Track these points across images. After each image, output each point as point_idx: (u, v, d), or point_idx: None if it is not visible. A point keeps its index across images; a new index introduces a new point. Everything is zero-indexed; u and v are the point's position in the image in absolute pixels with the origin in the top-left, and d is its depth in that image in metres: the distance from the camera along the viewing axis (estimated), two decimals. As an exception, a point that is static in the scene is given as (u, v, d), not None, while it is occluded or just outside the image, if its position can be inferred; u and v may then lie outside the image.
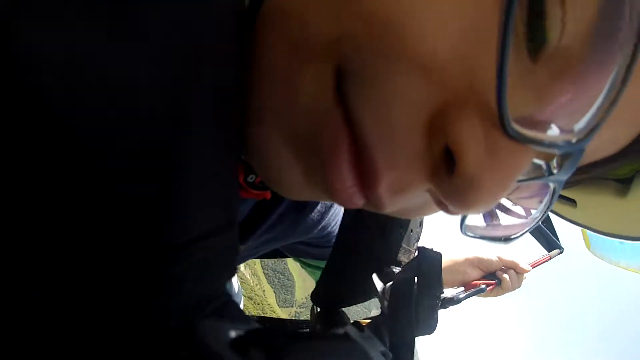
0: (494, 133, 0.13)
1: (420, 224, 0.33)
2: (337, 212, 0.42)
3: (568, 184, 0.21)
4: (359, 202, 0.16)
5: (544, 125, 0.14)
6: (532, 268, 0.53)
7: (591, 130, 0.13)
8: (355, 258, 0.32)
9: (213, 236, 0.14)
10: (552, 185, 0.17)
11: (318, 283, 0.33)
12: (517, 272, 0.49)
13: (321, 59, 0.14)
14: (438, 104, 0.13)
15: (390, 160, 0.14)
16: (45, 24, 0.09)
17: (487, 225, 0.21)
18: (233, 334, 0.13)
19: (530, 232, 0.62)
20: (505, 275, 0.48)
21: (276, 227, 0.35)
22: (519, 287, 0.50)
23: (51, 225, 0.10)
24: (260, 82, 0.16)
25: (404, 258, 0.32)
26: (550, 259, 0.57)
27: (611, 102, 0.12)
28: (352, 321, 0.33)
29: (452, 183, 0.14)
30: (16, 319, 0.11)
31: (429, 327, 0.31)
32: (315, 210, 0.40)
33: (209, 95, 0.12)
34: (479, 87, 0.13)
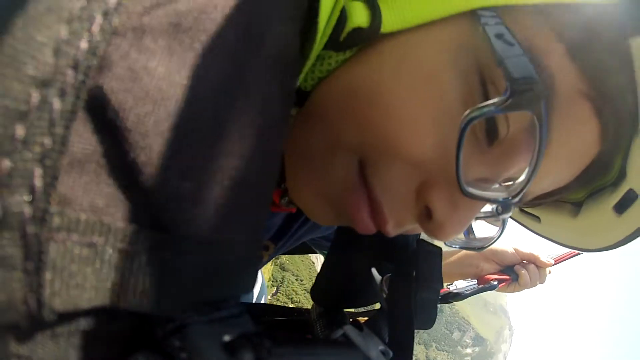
0: (456, 193, 0.21)
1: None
2: None
3: (528, 207, 0.32)
4: (374, 231, 0.25)
5: (490, 185, 0.22)
6: (556, 262, 0.50)
7: (518, 192, 0.21)
8: (354, 252, 0.32)
9: (232, 245, 0.15)
10: (501, 219, 0.27)
11: (317, 278, 0.33)
12: (538, 266, 0.47)
13: (348, 152, 0.23)
14: (423, 180, 0.22)
15: (393, 213, 0.23)
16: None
17: (465, 237, 0.30)
18: (227, 337, 0.14)
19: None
20: (524, 271, 0.46)
21: (302, 228, 0.45)
22: (542, 282, 0.48)
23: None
24: (301, 162, 0.25)
25: (401, 253, 0.32)
26: (579, 253, 0.53)
27: (531, 173, 0.19)
28: (351, 319, 0.33)
29: (430, 224, 0.23)
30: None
31: (428, 321, 0.31)
32: None
33: (252, 124, 0.16)
34: (449, 167, 0.20)
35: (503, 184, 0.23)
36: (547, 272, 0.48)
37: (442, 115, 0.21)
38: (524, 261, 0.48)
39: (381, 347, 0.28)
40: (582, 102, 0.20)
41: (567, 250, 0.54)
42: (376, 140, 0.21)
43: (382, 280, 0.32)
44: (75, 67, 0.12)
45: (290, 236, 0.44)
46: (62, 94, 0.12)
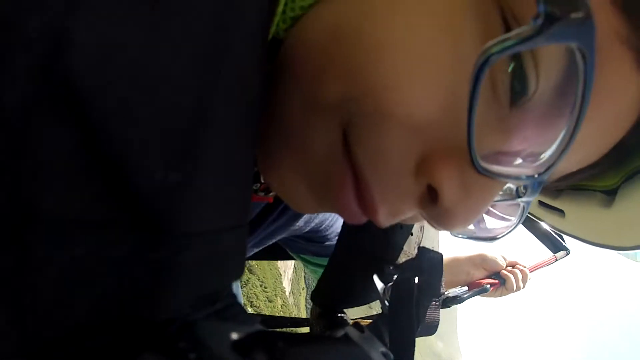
0: (469, 170, 0.16)
1: (422, 228, 0.33)
2: None
3: (550, 192, 0.26)
4: (363, 220, 0.20)
5: (512, 159, 0.18)
6: (535, 269, 0.52)
7: (550, 166, 0.16)
8: (356, 258, 0.32)
9: (224, 232, 0.14)
10: (521, 204, 0.21)
11: (318, 282, 0.33)
12: (519, 270, 0.49)
13: (330, 115, 0.17)
14: (424, 151, 0.17)
15: (385, 196, 0.18)
16: (92, 15, 0.10)
17: (475, 227, 0.24)
18: (235, 335, 0.13)
19: (535, 235, 0.61)
20: (510, 275, 0.48)
21: (278, 220, 0.40)
22: (523, 287, 0.50)
23: (72, 204, 0.11)
24: (275, 131, 0.19)
25: (403, 259, 0.32)
26: (556, 260, 0.56)
27: (565, 145, 0.15)
28: (352, 321, 0.33)
29: (434, 210, 0.18)
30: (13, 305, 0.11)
31: (430, 328, 0.31)
32: None
33: (233, 102, 0.14)
34: (458, 135, 0.15)
35: (526, 160, 0.18)
36: (528, 277, 0.51)
37: (453, 61, 0.16)
38: (508, 267, 0.50)
39: (382, 349, 0.28)
40: (623, 51, 0.15)
41: (545, 258, 0.56)
42: (363, 96, 0.16)
43: (384, 287, 0.32)
44: (27, 47, 0.09)
45: (264, 228, 0.39)
46: (12, 83, 0.09)
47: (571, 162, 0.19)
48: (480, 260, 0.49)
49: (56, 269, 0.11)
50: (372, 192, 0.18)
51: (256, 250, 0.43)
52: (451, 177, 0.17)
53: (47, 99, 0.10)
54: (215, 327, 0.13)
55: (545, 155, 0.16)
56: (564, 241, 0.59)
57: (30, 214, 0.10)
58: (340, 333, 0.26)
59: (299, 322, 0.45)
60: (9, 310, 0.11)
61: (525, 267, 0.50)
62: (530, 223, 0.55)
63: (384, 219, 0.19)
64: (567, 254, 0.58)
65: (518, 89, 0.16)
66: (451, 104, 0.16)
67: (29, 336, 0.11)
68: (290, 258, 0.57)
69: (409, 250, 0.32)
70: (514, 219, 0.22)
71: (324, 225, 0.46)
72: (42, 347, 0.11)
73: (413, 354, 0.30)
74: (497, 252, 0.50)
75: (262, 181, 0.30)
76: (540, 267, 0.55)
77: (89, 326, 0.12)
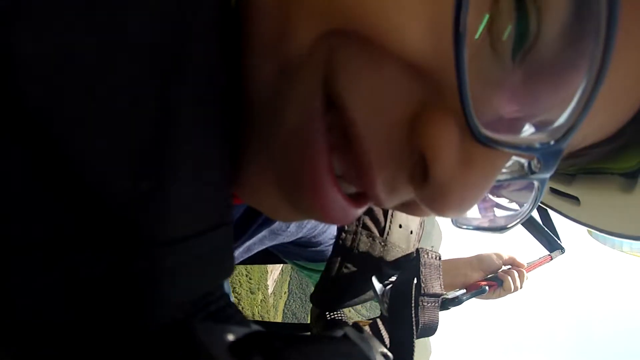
0: (468, 139, 0.13)
1: (421, 225, 0.33)
2: None
3: (563, 177, 0.22)
4: (348, 215, 0.16)
5: (521, 126, 0.14)
6: (533, 268, 0.53)
7: (569, 129, 0.13)
8: (355, 259, 0.32)
9: (208, 233, 0.14)
10: (536, 183, 0.17)
11: (317, 285, 0.33)
12: (517, 267, 0.49)
13: (306, 66, 0.14)
14: (420, 101, 0.13)
15: (380, 157, 0.14)
16: (35, 21, 0.09)
17: (482, 216, 0.21)
18: (231, 337, 0.13)
19: (531, 233, 0.61)
20: (508, 276, 0.48)
21: (266, 225, 0.36)
22: (520, 287, 0.50)
23: (39, 221, 0.10)
24: (244, 123, 0.16)
25: (402, 259, 0.32)
26: (551, 259, 0.56)
27: (585, 102, 0.12)
28: (351, 322, 0.33)
29: (425, 189, 0.14)
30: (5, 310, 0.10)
31: (430, 329, 0.31)
32: None
33: (194, 92, 0.12)
34: (456, 93, 0.12)
35: (538, 128, 0.14)
36: (525, 277, 0.51)
37: None
38: (505, 267, 0.50)
39: (382, 350, 0.28)
40: None
41: (540, 257, 0.57)
42: (348, 25, 0.13)
43: (383, 288, 0.32)
44: None
45: (250, 235, 0.36)
46: None
47: (592, 128, 0.15)
48: (477, 262, 0.49)
49: (31, 297, 0.11)
50: (366, 151, 0.14)
51: (246, 256, 0.43)
52: (447, 140, 0.13)
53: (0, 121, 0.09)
54: (211, 330, 0.13)
55: (562, 118, 0.13)
56: (559, 239, 0.60)
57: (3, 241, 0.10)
58: (339, 333, 0.25)
59: (298, 327, 0.45)
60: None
61: (523, 265, 0.50)
62: (526, 221, 0.55)
63: (382, 192, 0.15)
64: (562, 252, 0.59)
65: (518, 36, 0.13)
66: (447, 45, 0.12)
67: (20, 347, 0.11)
68: (283, 262, 0.56)
69: (408, 249, 0.32)
70: (526, 205, 0.18)
71: (317, 230, 0.45)
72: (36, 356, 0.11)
73: (413, 354, 0.30)
74: (493, 251, 0.50)
75: None
76: (537, 267, 0.55)
77: (77, 343, 0.12)
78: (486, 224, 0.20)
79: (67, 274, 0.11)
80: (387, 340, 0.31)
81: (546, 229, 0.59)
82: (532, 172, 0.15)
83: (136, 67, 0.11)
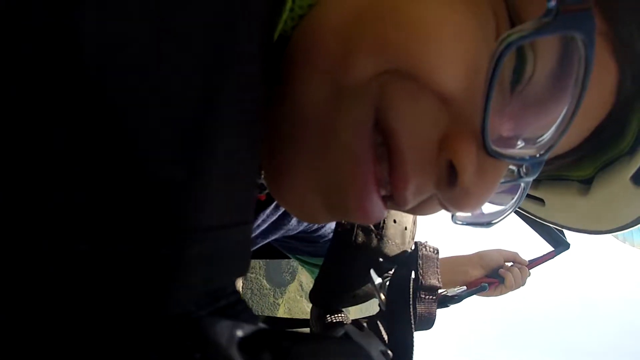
0: (482, 153, 0.18)
1: (414, 223, 0.34)
2: None
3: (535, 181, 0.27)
4: (380, 215, 0.21)
5: (515, 142, 0.19)
6: (536, 265, 0.52)
7: (550, 146, 0.18)
8: (352, 255, 0.32)
9: (230, 228, 0.14)
10: (522, 185, 0.22)
11: (316, 281, 0.33)
12: (518, 263, 0.49)
13: (362, 93, 0.18)
14: (447, 128, 0.18)
15: (415, 167, 0.19)
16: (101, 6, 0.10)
17: (472, 214, 0.25)
18: (241, 334, 0.13)
19: (534, 230, 0.60)
20: (509, 273, 0.47)
21: (271, 217, 0.38)
22: (523, 285, 0.50)
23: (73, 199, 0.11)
24: (287, 133, 0.20)
25: (399, 254, 0.32)
26: (555, 255, 0.56)
27: (565, 126, 0.17)
28: (351, 320, 0.33)
29: (452, 192, 0.19)
30: (19, 300, 0.11)
31: (427, 322, 0.31)
32: None
33: (235, 92, 0.14)
34: (474, 117, 0.17)
35: (526, 143, 0.20)
36: (528, 274, 0.51)
37: (477, 44, 0.17)
38: (507, 263, 0.49)
39: (381, 347, 0.28)
40: (603, 43, 0.18)
41: (544, 253, 0.56)
42: (400, 66, 0.17)
43: (381, 282, 0.32)
44: (34, 41, 0.10)
45: (255, 228, 0.39)
46: (18, 77, 0.10)
47: (561, 144, 0.20)
48: (478, 259, 0.49)
49: (58, 264, 0.11)
50: (405, 161, 0.19)
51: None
52: (471, 157, 0.18)
53: (55, 93, 0.10)
54: (221, 325, 0.13)
55: (545, 137, 0.18)
56: (564, 236, 0.59)
57: (35, 209, 0.10)
58: (340, 332, 0.26)
59: (299, 323, 0.45)
60: (15, 306, 0.11)
61: (525, 262, 0.50)
62: (529, 218, 0.55)
63: (410, 195, 0.20)
64: (567, 248, 0.58)
65: (518, 77, 0.18)
66: (472, 84, 0.17)
67: (32, 329, 0.11)
68: (286, 257, 0.56)
69: (403, 245, 0.32)
70: (511, 202, 0.24)
71: (315, 226, 0.46)
72: (46, 342, 0.11)
73: (412, 348, 0.30)
74: (495, 249, 0.50)
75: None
76: (540, 263, 0.55)
77: (93, 321, 0.12)
78: (476, 220, 0.25)
79: (96, 245, 0.11)
80: (385, 335, 0.31)
81: (550, 225, 0.59)
82: (520, 177, 0.21)
83: (183, 56, 0.12)
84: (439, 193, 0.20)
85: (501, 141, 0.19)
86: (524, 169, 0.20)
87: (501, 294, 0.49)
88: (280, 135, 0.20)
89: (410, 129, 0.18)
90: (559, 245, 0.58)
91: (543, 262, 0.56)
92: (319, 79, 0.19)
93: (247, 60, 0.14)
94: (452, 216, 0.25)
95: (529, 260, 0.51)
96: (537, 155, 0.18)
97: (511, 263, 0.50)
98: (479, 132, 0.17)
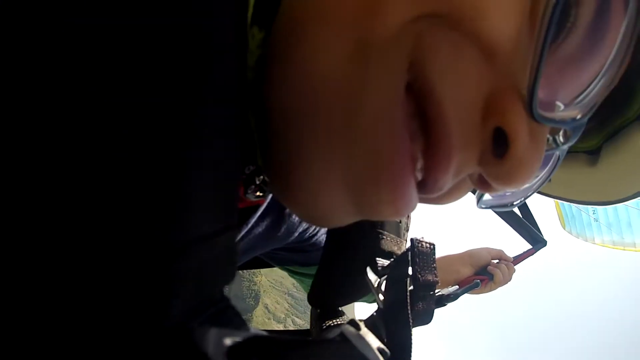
0: (528, 116, 0.15)
1: (408, 215, 0.34)
2: None
3: None
4: (412, 207, 0.17)
5: (553, 105, 0.17)
6: (520, 261, 0.54)
7: (592, 107, 0.16)
8: (348, 253, 0.32)
9: (214, 238, 0.14)
10: (557, 154, 0.20)
11: (313, 283, 0.32)
12: (505, 260, 0.50)
13: (394, 48, 0.14)
14: (494, 86, 0.15)
15: (462, 139, 0.15)
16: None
17: (494, 196, 0.23)
18: (229, 341, 0.13)
19: (513, 228, 0.63)
20: (497, 270, 0.49)
21: (259, 227, 0.36)
22: (509, 280, 0.51)
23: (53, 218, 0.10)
24: (303, 100, 0.16)
25: (395, 249, 0.32)
26: (535, 252, 0.58)
27: (613, 76, 0.15)
28: (349, 319, 0.32)
29: (502, 165, 0.16)
30: (11, 315, 0.10)
31: (425, 318, 0.31)
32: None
33: (219, 99, 0.13)
34: (520, 77, 0.15)
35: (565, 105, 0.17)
36: (513, 270, 0.52)
37: None
38: (494, 260, 0.51)
39: (379, 345, 0.27)
40: None
41: (524, 250, 0.58)
42: (441, 4, 0.14)
43: (378, 280, 0.32)
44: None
45: (244, 236, 0.35)
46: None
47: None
48: (468, 257, 0.50)
49: (55, 289, 0.10)
50: (449, 132, 0.15)
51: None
52: (523, 122, 0.15)
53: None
54: (209, 334, 0.13)
55: (585, 95, 0.16)
56: (540, 233, 0.62)
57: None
58: (335, 332, 0.25)
59: (299, 334, 0.44)
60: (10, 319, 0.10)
61: (510, 259, 0.51)
62: (509, 217, 0.57)
63: (450, 178, 0.16)
64: (544, 245, 0.60)
65: (564, 23, 0.15)
66: (521, 38, 0.14)
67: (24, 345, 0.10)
68: (272, 266, 0.55)
69: (399, 238, 0.33)
70: (540, 176, 0.21)
71: (308, 233, 0.45)
72: None
73: (411, 346, 0.30)
74: (482, 247, 0.51)
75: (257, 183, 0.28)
76: (523, 260, 0.57)
77: (86, 338, 0.11)
78: (503, 201, 0.23)
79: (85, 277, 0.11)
80: (384, 333, 0.31)
81: (528, 223, 0.61)
82: (558, 145, 0.18)
83: (153, 55, 0.11)
84: (483, 169, 0.16)
85: (542, 105, 0.15)
86: (560, 137, 0.18)
87: (491, 290, 0.50)
88: (286, 119, 0.16)
89: (453, 90, 0.15)
90: (537, 242, 0.60)
91: (525, 258, 0.58)
92: (336, 36, 0.15)
93: (225, 58, 0.13)
94: (479, 200, 0.23)
95: (513, 257, 0.53)
96: (578, 117, 0.16)
97: (497, 260, 0.51)
98: (527, 93, 0.14)
